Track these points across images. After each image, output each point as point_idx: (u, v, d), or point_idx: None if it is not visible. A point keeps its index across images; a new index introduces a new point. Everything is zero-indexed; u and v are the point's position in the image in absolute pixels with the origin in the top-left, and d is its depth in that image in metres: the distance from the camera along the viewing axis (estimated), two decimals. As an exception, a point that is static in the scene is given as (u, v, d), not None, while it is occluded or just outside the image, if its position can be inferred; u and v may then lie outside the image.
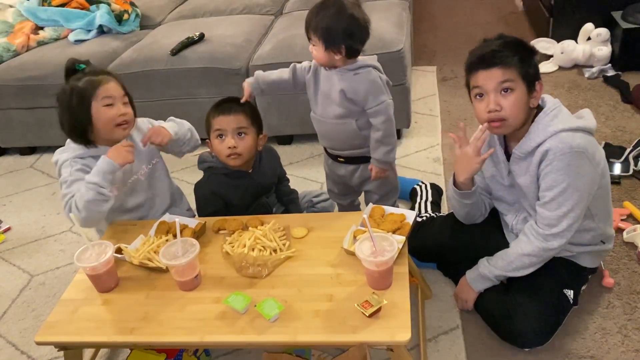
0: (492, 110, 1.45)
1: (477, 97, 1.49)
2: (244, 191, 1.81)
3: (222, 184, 1.79)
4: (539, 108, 1.51)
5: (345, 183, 1.94)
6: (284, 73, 1.84)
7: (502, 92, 1.44)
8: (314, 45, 1.65)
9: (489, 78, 1.44)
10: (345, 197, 2.02)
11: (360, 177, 1.88)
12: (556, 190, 1.45)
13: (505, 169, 1.60)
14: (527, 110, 1.48)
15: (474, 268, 1.67)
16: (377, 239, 1.34)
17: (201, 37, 2.79)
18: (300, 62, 1.84)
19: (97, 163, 1.61)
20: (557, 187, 1.44)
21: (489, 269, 1.61)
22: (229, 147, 1.72)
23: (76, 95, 1.64)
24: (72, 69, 1.71)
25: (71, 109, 1.66)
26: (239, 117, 1.74)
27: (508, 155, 1.58)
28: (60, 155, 1.75)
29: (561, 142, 1.42)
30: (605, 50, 3.06)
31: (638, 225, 1.92)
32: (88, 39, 3.10)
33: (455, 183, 1.63)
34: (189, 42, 2.75)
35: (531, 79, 1.45)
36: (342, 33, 1.60)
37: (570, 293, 1.60)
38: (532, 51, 1.49)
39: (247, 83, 1.84)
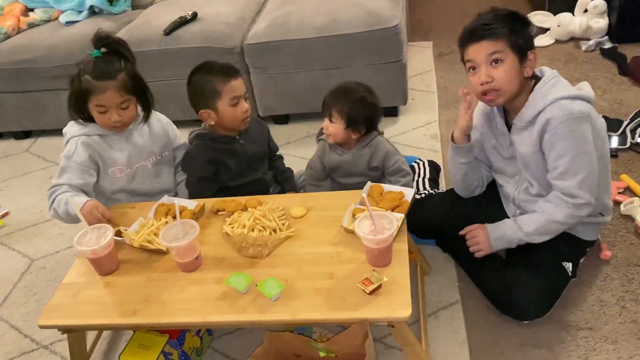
0: (483, 82, 1.47)
1: (471, 70, 1.51)
2: (235, 155, 1.82)
3: (215, 150, 1.80)
4: (537, 78, 1.51)
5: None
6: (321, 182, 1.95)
7: (493, 64, 1.46)
8: (333, 122, 1.75)
9: (479, 51, 1.46)
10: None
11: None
12: (567, 158, 1.46)
13: (506, 141, 1.60)
14: (521, 79, 1.49)
15: (496, 226, 1.64)
16: (377, 217, 1.35)
17: (194, 16, 2.76)
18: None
19: (76, 203, 1.53)
20: (567, 154, 1.45)
21: (515, 233, 1.59)
22: (245, 111, 1.76)
23: (75, 88, 1.65)
24: (95, 43, 1.65)
25: (72, 96, 1.67)
26: (241, 80, 1.76)
27: (509, 127, 1.59)
28: (70, 128, 1.76)
29: (561, 110, 1.43)
30: (602, 23, 3.03)
31: (635, 198, 1.93)
32: (79, 20, 3.05)
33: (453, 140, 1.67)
34: (182, 22, 2.72)
35: (523, 49, 1.46)
36: (364, 117, 1.74)
37: (569, 266, 1.62)
38: (525, 22, 1.49)
39: None
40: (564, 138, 1.44)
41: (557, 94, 1.45)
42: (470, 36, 1.48)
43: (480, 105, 1.67)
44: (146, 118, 1.78)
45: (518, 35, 1.45)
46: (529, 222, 1.58)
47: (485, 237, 1.65)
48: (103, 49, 1.64)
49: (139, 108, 1.76)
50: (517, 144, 1.57)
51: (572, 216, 1.52)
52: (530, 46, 1.48)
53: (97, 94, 1.62)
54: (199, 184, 1.80)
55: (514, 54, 1.45)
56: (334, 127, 1.76)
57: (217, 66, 1.77)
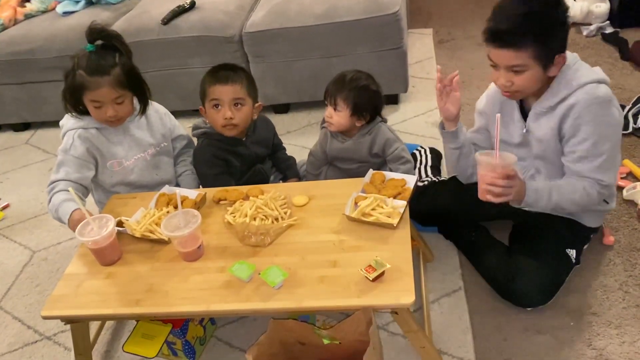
0: (502, 85, 1.46)
1: (492, 66, 1.48)
2: (239, 156, 1.82)
3: (219, 149, 1.80)
4: None
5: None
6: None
7: (514, 71, 1.43)
8: (339, 111, 1.76)
9: (500, 57, 1.43)
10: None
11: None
12: (589, 143, 1.45)
13: (518, 128, 1.59)
14: (544, 79, 1.47)
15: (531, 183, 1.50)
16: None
17: (192, 4, 2.74)
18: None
19: (66, 209, 1.58)
20: (589, 139, 1.45)
21: (545, 190, 1.50)
22: (225, 118, 1.72)
23: (70, 83, 1.63)
24: (88, 37, 1.62)
25: (66, 91, 1.65)
26: (236, 87, 1.72)
27: (523, 111, 1.58)
28: (67, 121, 1.74)
29: (587, 94, 1.42)
30: (603, 7, 3.01)
31: (638, 183, 1.93)
32: (76, 11, 3.03)
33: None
34: (180, 11, 2.70)
35: (549, 56, 1.41)
36: (369, 104, 1.76)
37: (572, 252, 1.61)
38: (557, 23, 1.40)
39: None
40: (587, 122, 1.43)
41: (581, 79, 1.43)
42: (492, 38, 1.42)
43: (492, 91, 1.66)
44: (143, 111, 1.77)
45: (546, 43, 1.38)
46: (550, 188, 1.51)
47: (522, 191, 1.48)
48: (98, 42, 1.62)
49: (136, 101, 1.75)
50: (534, 129, 1.55)
51: (588, 195, 1.50)
52: (559, 50, 1.42)
53: (92, 89, 1.60)
54: (217, 180, 1.78)
55: (537, 64, 1.41)
56: (339, 116, 1.76)
57: (219, 68, 1.76)
